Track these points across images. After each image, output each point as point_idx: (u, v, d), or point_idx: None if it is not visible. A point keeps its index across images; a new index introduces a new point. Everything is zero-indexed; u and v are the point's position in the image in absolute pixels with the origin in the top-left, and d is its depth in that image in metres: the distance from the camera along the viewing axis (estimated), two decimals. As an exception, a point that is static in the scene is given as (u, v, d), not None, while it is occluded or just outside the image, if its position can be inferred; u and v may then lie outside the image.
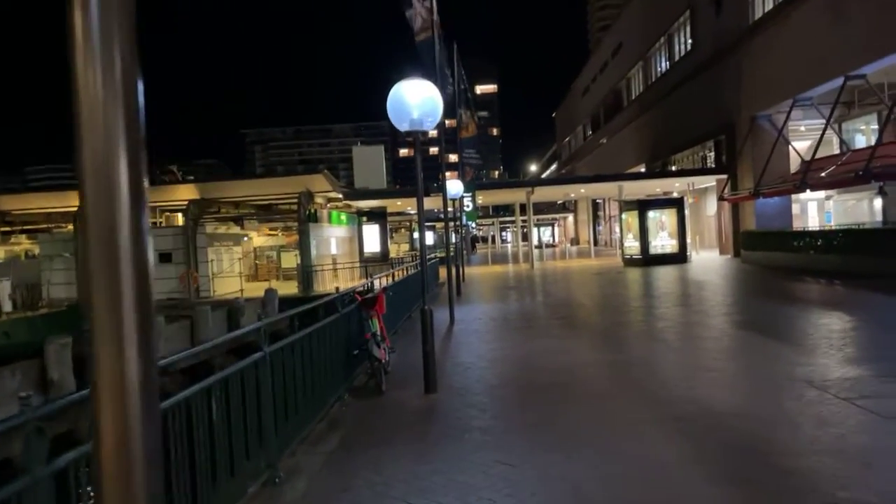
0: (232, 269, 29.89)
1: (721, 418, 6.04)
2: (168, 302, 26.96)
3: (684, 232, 28.13)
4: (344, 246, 33.27)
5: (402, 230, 63.34)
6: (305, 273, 26.64)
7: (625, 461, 5.12)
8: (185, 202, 27.88)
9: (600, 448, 5.42)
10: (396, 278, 15.81)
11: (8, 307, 26.51)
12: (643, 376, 7.97)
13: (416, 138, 7.44)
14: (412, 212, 50.16)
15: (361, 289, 9.63)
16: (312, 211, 28.31)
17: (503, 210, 69.85)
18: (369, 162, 34.50)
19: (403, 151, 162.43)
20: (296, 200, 27.36)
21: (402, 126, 7.38)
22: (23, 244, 36.12)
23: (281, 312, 6.22)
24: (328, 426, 6.55)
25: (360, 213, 33.79)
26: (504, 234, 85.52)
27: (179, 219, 30.51)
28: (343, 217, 33.12)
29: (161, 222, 31.93)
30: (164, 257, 28.06)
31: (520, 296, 19.52)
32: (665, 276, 22.67)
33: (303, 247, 27.25)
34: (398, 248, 60.02)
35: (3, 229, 33.60)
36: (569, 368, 8.62)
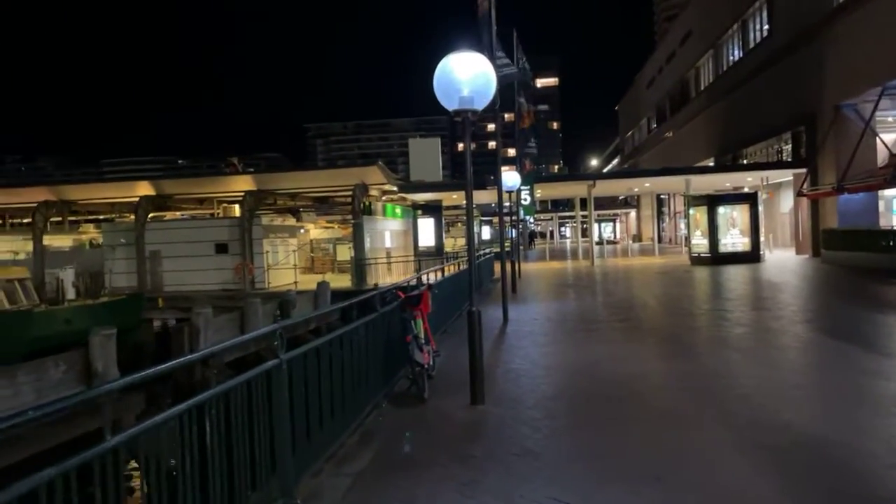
0: (287, 261, 29.78)
1: (821, 448, 5.05)
2: (223, 293, 27.12)
3: (757, 229, 26.40)
4: (398, 239, 32.80)
5: (459, 224, 62.68)
6: (358, 266, 26.24)
7: (706, 500, 4.23)
8: (242, 193, 27.91)
9: (674, 482, 4.53)
10: (448, 273, 15.10)
11: (71, 294, 27.08)
12: (720, 392, 6.97)
13: (466, 119, 6.64)
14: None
15: (406, 285, 8.90)
16: (367, 203, 27.89)
17: (563, 205, 68.29)
18: (425, 154, 33.90)
19: (462, 146, 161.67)
20: (351, 193, 26.98)
21: (451, 105, 6.60)
22: (89, 233, 37.11)
23: (299, 315, 5.48)
24: (360, 439, 5.86)
25: (416, 206, 33.23)
26: (563, 229, 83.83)
27: (237, 210, 30.62)
28: (398, 210, 32.64)
29: (219, 213, 32.17)
30: (221, 248, 28.21)
31: (579, 295, 18.50)
32: (737, 276, 21.18)
33: (356, 239, 26.86)
34: (454, 243, 59.44)
35: (70, 218, 34.55)
36: (633, 379, 7.69)
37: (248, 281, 26.91)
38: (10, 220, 32.04)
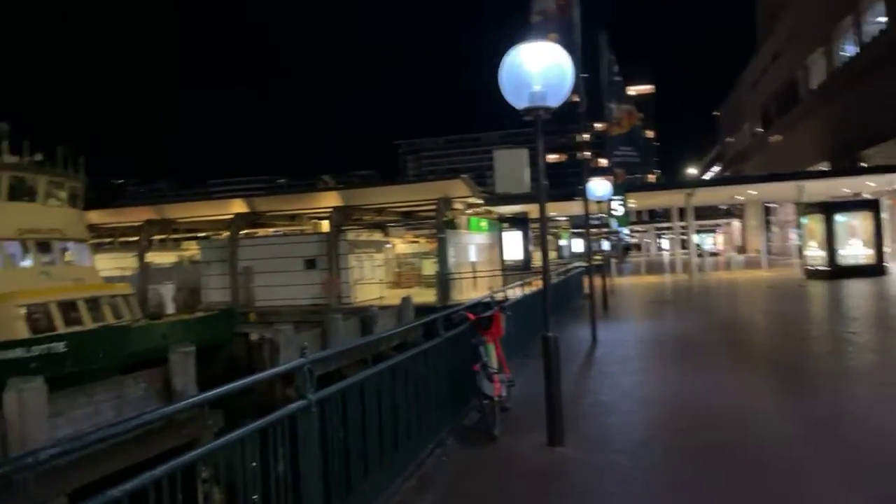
0: (373, 276, 29.70)
1: None
2: (312, 308, 27.33)
3: (881, 239, 23.77)
4: (484, 253, 32.07)
5: (550, 237, 61.41)
6: (443, 281, 25.70)
7: None
8: (330, 209, 28.11)
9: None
10: (533, 289, 14.19)
11: (171, 309, 28.06)
12: (859, 443, 5.72)
13: (538, 117, 5.84)
14: (561, 217, 48.14)
15: (477, 303, 8.11)
16: (451, 217, 27.37)
17: (660, 216, 65.43)
18: (511, 166, 32.97)
19: (552, 157, 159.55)
20: (435, 207, 26.56)
21: (520, 102, 5.81)
22: (190, 250, 38.72)
23: (336, 347, 4.72)
24: (418, 484, 5.12)
25: (502, 219, 32.41)
26: (660, 241, 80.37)
27: (325, 226, 30.93)
28: (483, 223, 31.93)
29: (308, 229, 32.64)
30: (309, 263, 28.49)
31: (678, 313, 17.07)
32: (859, 291, 18.98)
33: (440, 254, 26.38)
34: (545, 256, 58.08)
35: (172, 236, 36.12)
36: (744, 419, 6.54)
37: (335, 296, 26.95)
38: (120, 239, 33.85)
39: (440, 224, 26.34)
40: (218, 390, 3.20)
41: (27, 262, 22.51)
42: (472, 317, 7.00)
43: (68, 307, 22.13)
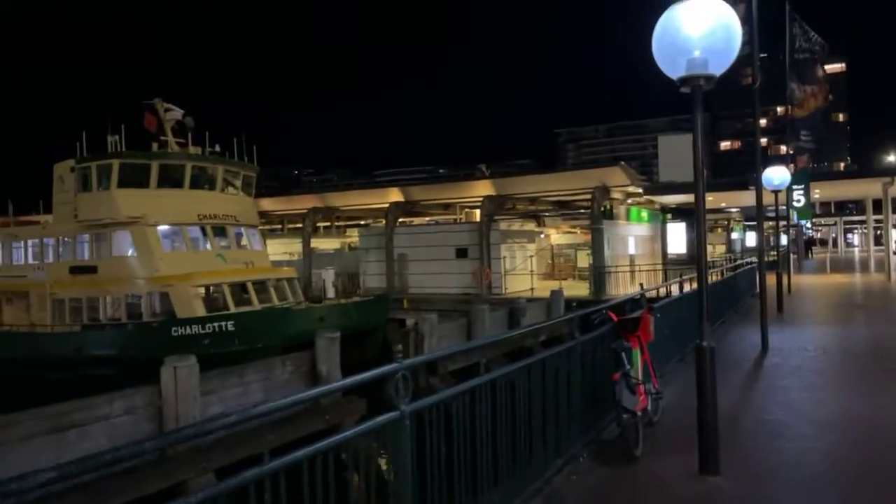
0: (525, 267, 29.12)
1: None
2: (462, 297, 27.35)
3: None
4: (644, 246, 30.28)
5: (718, 229, 57.04)
6: (597, 274, 24.53)
7: None
8: (482, 198, 27.92)
9: None
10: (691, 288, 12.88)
11: (331, 293, 29.43)
12: None
13: (697, 89, 4.95)
14: (733, 209, 44.42)
15: (623, 302, 7.26)
16: (607, 207, 26.03)
17: (849, 208, 58.41)
18: (677, 152, 30.68)
19: (725, 144, 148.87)
20: (590, 196, 25.40)
21: (675, 71, 4.96)
22: (352, 237, 40.56)
23: (434, 351, 4.06)
24: (543, 506, 4.53)
25: (665, 209, 30.39)
26: (849, 236, 71.86)
27: (478, 215, 30.83)
28: (644, 214, 30.14)
29: (461, 218, 32.76)
30: (461, 253, 28.52)
31: (869, 319, 14.77)
32: None
33: (595, 245, 25.19)
34: (713, 250, 54.05)
35: (337, 224, 37.98)
36: (962, 460, 5.20)
37: (485, 286, 26.75)
38: (288, 225, 36.20)
39: (595, 214, 25.15)
40: (317, 391, 2.89)
41: (205, 246, 24.53)
42: (615, 318, 6.22)
43: (239, 289, 23.88)
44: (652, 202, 30.89)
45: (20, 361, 21.95)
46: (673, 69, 4.98)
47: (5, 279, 26.00)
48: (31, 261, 25.75)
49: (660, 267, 28.70)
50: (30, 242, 26.08)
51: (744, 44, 6.35)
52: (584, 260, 33.14)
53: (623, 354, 5.66)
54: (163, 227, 23.70)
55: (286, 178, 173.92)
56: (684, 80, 4.94)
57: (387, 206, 29.91)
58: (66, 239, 24.82)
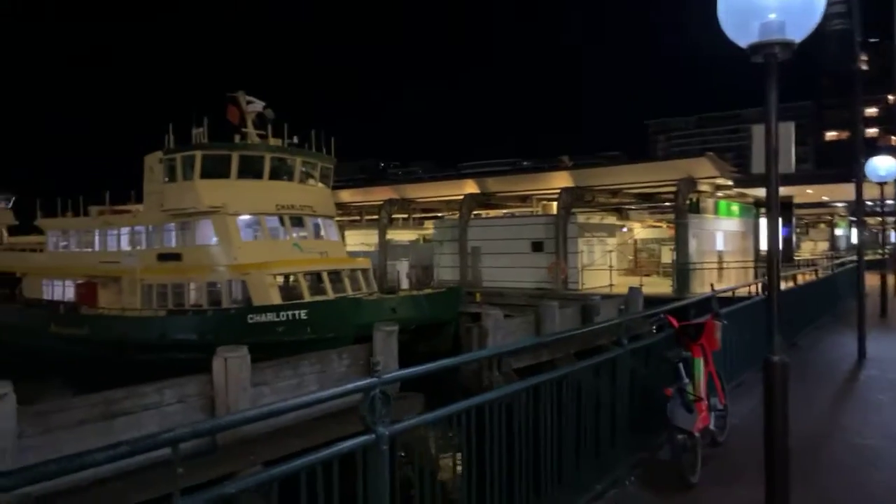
0: (604, 262, 28.04)
1: None
2: (537, 291, 26.62)
3: None
4: (734, 241, 28.49)
5: (822, 225, 53.34)
6: (681, 271, 23.21)
7: None
8: (559, 190, 27.04)
9: None
10: (785, 286, 11.74)
11: (405, 285, 29.38)
12: None
13: (771, 58, 4.19)
14: (838, 203, 41.28)
15: (687, 304, 6.50)
16: (693, 200, 24.58)
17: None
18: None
19: (831, 134, 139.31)
20: (675, 188, 24.05)
21: (745, 37, 4.19)
22: (429, 229, 40.49)
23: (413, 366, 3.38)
24: (574, 538, 3.97)
25: (759, 203, 28.45)
26: (973, 234, 65.45)
27: (556, 208, 29.94)
28: (734, 208, 28.33)
29: (537, 211, 31.92)
30: (536, 246, 27.77)
31: None
32: None
33: (679, 241, 23.82)
34: (814, 247, 50.50)
35: (412, 215, 37.96)
36: None
37: (560, 281, 25.91)
38: (366, 217, 36.47)
39: (680, 207, 23.78)
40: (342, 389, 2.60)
41: (282, 236, 24.96)
42: (675, 323, 5.52)
43: (315, 278, 24.16)
44: (744, 195, 29.01)
45: (112, 343, 23.09)
46: (743, 35, 4.22)
47: (102, 265, 27.42)
48: (123, 248, 27.04)
49: (751, 264, 26.91)
50: (122, 230, 27.39)
51: (842, 19, 5.48)
52: (668, 255, 31.59)
53: (680, 365, 4.98)
54: (242, 217, 24.30)
55: (372, 170, 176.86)
56: (756, 48, 4.17)
57: (461, 197, 29.50)
58: (154, 227, 25.90)
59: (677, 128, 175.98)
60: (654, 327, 5.53)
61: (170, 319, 23.55)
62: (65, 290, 28.75)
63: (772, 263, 4.40)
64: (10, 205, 47.53)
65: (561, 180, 27.69)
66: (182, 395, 8.72)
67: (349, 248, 34.32)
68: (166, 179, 24.89)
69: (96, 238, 28.50)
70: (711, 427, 5.21)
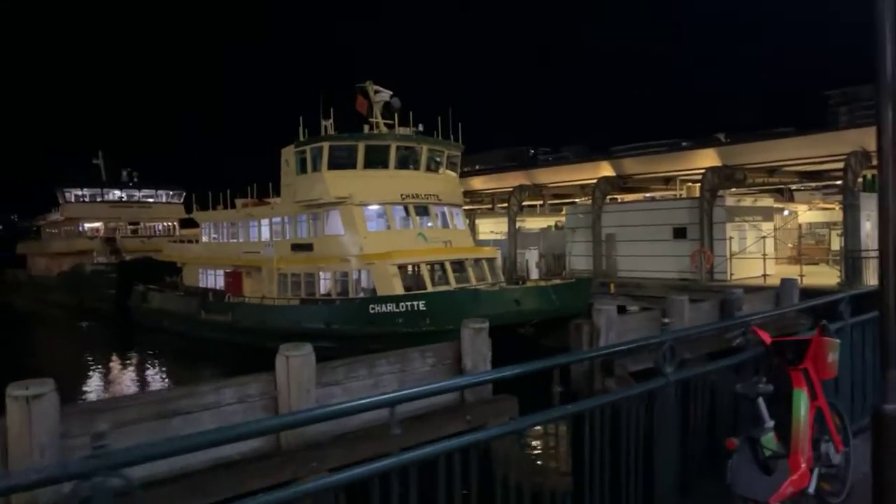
0: (759, 249, 24.92)
1: None
2: (679, 282, 24.24)
3: None
4: (925, 225, 24.05)
5: None
6: (850, 260, 19.91)
7: None
8: (704, 170, 24.35)
9: None
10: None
11: (535, 274, 28.14)
12: None
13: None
14: None
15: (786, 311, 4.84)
16: (869, 177, 20.98)
17: None
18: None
19: None
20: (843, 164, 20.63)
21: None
22: (562, 215, 38.68)
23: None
24: None
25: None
26: None
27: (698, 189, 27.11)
28: (925, 185, 23.89)
29: (681, 194, 29.12)
30: (678, 233, 25.34)
31: None
32: None
33: (848, 224, 20.43)
34: None
35: (551, 202, 36.41)
36: None
37: (704, 271, 23.37)
38: (498, 205, 35.53)
39: (849, 186, 20.37)
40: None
41: (408, 225, 24.75)
42: (767, 339, 4.02)
43: (439, 268, 23.71)
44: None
45: (252, 330, 24.23)
46: None
47: (245, 255, 28.95)
48: (263, 238, 28.33)
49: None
50: (263, 222, 28.69)
51: None
52: (838, 241, 27.53)
53: (760, 403, 3.51)
54: (369, 207, 24.40)
55: (522, 157, 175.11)
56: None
57: (595, 181, 27.60)
58: (288, 218, 26.82)
59: (865, 97, 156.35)
60: (736, 341, 4.06)
61: (301, 308, 24.25)
62: (216, 279, 30.76)
63: (886, 257, 2.87)
64: (182, 199, 52.37)
65: (707, 159, 24.92)
66: (243, 395, 8.35)
67: (481, 237, 33.64)
68: (298, 171, 25.62)
69: (240, 229, 30.15)
70: (811, 489, 3.68)
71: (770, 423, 3.49)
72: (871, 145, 20.71)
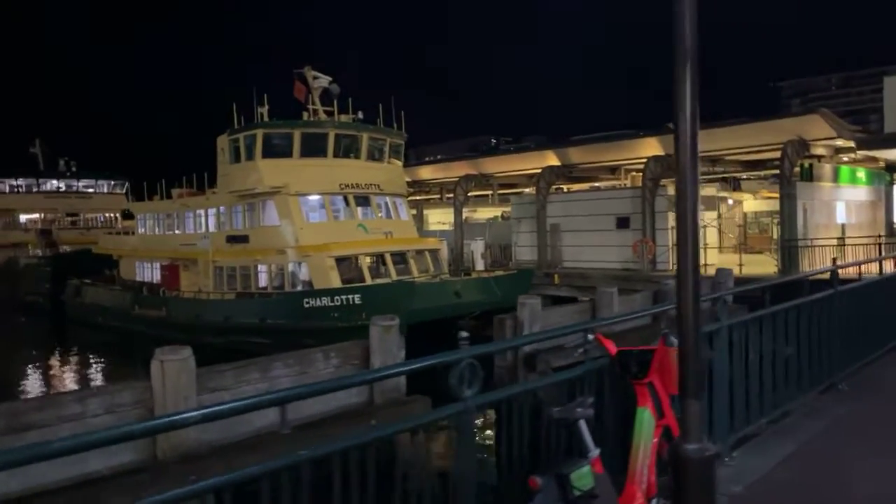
0: (703, 239, 24.89)
1: None
2: (622, 272, 24.06)
3: None
4: (862, 213, 24.35)
5: None
6: (786, 248, 19.89)
7: None
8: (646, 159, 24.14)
9: None
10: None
11: (480, 266, 27.70)
12: None
13: None
14: None
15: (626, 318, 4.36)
16: (806, 166, 20.97)
17: None
18: (911, 94, 23.83)
19: None
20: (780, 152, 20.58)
21: None
22: (508, 206, 38.27)
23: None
24: None
25: (891, 167, 24.10)
26: None
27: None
28: (861, 174, 24.13)
29: (625, 183, 28.93)
30: (622, 222, 25.15)
31: None
32: None
33: (784, 214, 20.42)
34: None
35: (498, 192, 35.95)
36: None
37: (647, 261, 23.21)
38: (447, 195, 34.93)
39: (786, 175, 20.33)
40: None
41: (346, 216, 23.98)
42: (612, 349, 3.50)
43: (378, 260, 23.03)
44: (874, 159, 24.66)
45: (186, 326, 23.28)
46: None
47: (182, 247, 27.84)
48: (199, 230, 27.26)
49: (883, 240, 22.80)
50: (198, 212, 27.59)
51: None
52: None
53: (580, 429, 2.98)
54: (306, 197, 23.55)
55: (483, 146, 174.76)
56: None
57: (539, 171, 27.21)
58: (224, 209, 25.81)
59: (817, 88, 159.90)
60: (581, 350, 3.53)
61: (235, 302, 23.36)
62: (153, 272, 29.59)
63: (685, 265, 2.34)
64: (125, 189, 50.50)
65: (650, 148, 24.73)
66: (112, 405, 7.61)
67: (432, 228, 33.04)
68: (231, 160, 24.60)
69: (175, 221, 29.02)
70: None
71: (594, 452, 2.97)
72: (808, 134, 20.75)
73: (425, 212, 34.27)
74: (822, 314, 6.02)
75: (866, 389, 6.25)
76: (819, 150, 21.90)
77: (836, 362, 6.23)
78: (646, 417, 3.26)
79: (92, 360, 25.74)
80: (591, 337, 3.48)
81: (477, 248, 27.76)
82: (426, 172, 34.10)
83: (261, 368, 9.06)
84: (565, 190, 30.46)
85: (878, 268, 15.37)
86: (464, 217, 30.71)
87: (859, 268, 13.23)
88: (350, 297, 20.05)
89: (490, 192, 35.09)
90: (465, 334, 10.53)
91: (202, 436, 7.91)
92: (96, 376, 23.30)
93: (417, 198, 34.67)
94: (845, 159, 24.70)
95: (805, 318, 5.74)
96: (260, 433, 8.40)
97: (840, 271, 7.33)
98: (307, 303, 20.54)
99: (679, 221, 2.48)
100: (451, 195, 32.30)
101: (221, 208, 25.92)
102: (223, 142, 25.56)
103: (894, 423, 5.26)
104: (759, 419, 4.94)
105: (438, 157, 72.76)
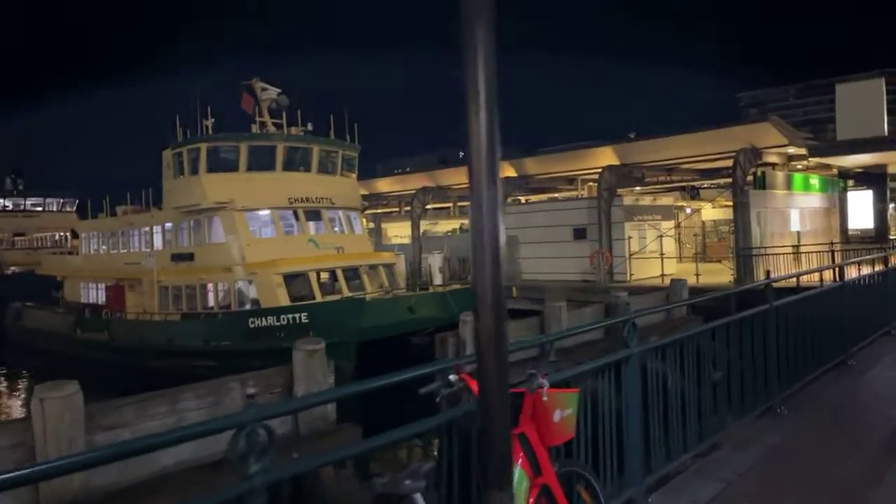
0: (659, 249, 24.64)
1: None
2: (580, 284, 23.66)
3: None
4: (816, 220, 24.32)
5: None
6: (741, 257, 19.66)
7: None
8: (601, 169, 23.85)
9: None
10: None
11: (438, 280, 27.07)
12: None
13: None
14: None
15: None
16: (759, 174, 20.83)
17: None
18: (859, 103, 23.83)
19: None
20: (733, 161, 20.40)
21: None
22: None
23: None
24: None
25: (844, 174, 24.16)
26: None
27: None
28: (814, 182, 24.14)
29: (582, 194, 28.66)
30: (579, 233, 24.75)
31: None
32: None
33: (737, 222, 20.23)
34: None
35: (460, 204, 35.46)
36: None
37: (604, 272, 22.83)
38: (405, 208, 34.35)
39: (739, 183, 20.15)
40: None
41: (296, 231, 23.17)
42: (476, 388, 2.87)
43: (329, 276, 22.25)
44: (828, 167, 24.73)
45: (129, 349, 22.20)
46: None
47: (126, 266, 26.72)
48: (143, 248, 26.18)
49: (838, 247, 22.76)
50: (143, 230, 26.52)
51: None
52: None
53: (418, 498, 2.34)
54: (253, 213, 22.72)
55: (450, 160, 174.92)
56: None
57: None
58: (169, 226, 24.80)
59: (774, 99, 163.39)
60: (438, 397, 2.90)
61: (179, 324, 22.34)
62: (98, 293, 28.37)
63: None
64: (75, 207, 48.85)
65: (605, 157, 24.47)
66: (-16, 447, 6.77)
67: (390, 242, 32.32)
68: (175, 174, 23.67)
69: (120, 239, 27.91)
70: None
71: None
72: (760, 142, 20.63)
73: (383, 225, 33.57)
74: (755, 332, 5.51)
75: (806, 411, 5.76)
76: (772, 158, 21.83)
77: (773, 383, 5.72)
78: (517, 477, 2.65)
79: (18, 390, 24.44)
80: (453, 378, 2.86)
81: (435, 261, 27.13)
82: (384, 185, 33.51)
83: (168, 401, 8.27)
84: (523, 201, 30.07)
85: (833, 275, 15.09)
86: (422, 230, 30.09)
87: (821, 275, 12.91)
88: (296, 315, 19.23)
89: (451, 205, 34.60)
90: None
91: (92, 480, 7.11)
92: (14, 407, 22.06)
93: (376, 211, 33.96)
94: (799, 167, 24.74)
95: (735, 336, 5.22)
96: (165, 473, 7.65)
97: (792, 281, 6.84)
98: (252, 323, 19.66)
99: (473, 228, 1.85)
100: (408, 208, 31.72)
101: (167, 225, 24.91)
102: (168, 156, 24.60)
103: (828, 455, 4.74)
104: (681, 455, 4.38)
105: (408, 169, 72.16)
